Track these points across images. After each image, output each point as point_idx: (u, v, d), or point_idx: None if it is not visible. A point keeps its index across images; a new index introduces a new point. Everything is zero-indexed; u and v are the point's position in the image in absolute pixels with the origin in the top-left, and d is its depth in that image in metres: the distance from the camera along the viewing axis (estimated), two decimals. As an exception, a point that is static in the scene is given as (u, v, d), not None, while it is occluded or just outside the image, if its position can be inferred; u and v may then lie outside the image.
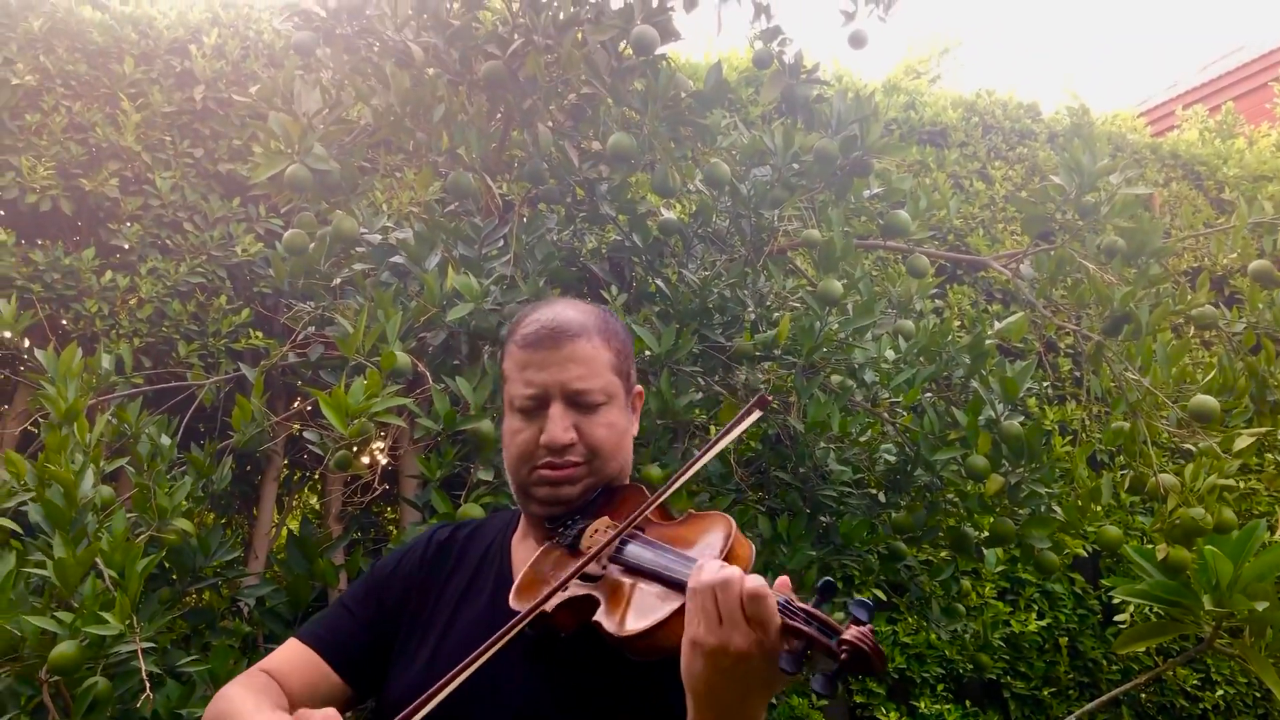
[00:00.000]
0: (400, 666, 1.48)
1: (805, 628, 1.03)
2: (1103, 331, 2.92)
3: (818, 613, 1.04)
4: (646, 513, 1.33)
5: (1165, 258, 2.96)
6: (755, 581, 1.04)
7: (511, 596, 1.36)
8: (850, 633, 1.01)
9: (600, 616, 1.23)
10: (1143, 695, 5.55)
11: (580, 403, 1.44)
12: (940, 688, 5.24)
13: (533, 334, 1.46)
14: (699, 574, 1.10)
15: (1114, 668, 5.48)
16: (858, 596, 1.07)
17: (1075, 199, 2.99)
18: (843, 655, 1.00)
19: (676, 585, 1.18)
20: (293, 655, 1.51)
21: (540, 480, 1.44)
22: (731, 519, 1.29)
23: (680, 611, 1.14)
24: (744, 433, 1.38)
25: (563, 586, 1.29)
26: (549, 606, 1.28)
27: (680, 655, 1.11)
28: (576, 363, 1.44)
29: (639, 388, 1.58)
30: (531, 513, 1.50)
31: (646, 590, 1.23)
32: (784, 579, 1.10)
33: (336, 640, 1.52)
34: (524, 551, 1.51)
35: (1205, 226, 5.73)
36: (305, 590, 2.76)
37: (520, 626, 1.26)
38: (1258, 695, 5.75)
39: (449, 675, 1.23)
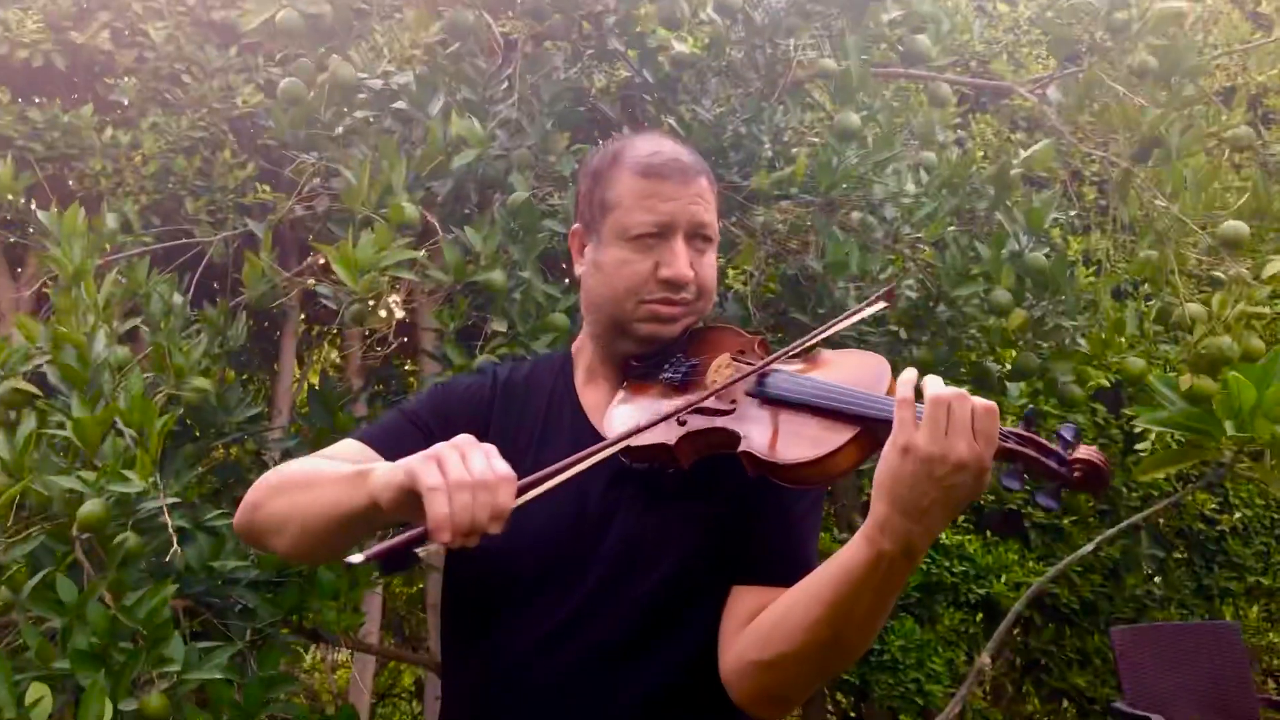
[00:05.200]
0: None
1: (1019, 448, 1.11)
2: (1131, 158, 2.82)
3: (1035, 436, 1.12)
4: (790, 351, 1.35)
5: (1199, 77, 2.83)
6: (988, 401, 1.08)
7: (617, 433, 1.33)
8: (1082, 451, 1.10)
9: (750, 447, 1.24)
10: (1161, 521, 5.63)
11: (700, 239, 1.42)
12: (961, 519, 5.32)
13: (660, 164, 1.41)
14: (927, 389, 1.10)
15: (1134, 494, 5.53)
16: (1066, 422, 1.16)
17: (1105, 16, 2.83)
18: (1076, 475, 1.10)
19: (843, 416, 1.20)
20: (351, 450, 1.45)
21: (649, 315, 1.41)
22: (880, 356, 1.31)
23: (855, 440, 1.18)
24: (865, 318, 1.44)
25: (698, 404, 1.31)
26: (673, 438, 1.28)
27: (880, 464, 1.12)
28: (702, 199, 1.42)
29: None
30: (620, 350, 1.46)
31: (802, 420, 1.25)
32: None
33: (399, 444, 1.39)
34: (594, 394, 1.47)
35: (1241, 44, 5.49)
36: (328, 443, 2.78)
37: (662, 420, 1.29)
38: (1275, 517, 5.82)
39: (575, 458, 1.23)
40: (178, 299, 2.66)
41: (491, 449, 1.16)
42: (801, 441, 1.22)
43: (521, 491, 1.17)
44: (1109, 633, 4.62)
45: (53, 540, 2.15)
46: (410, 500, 1.12)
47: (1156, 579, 5.67)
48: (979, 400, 1.07)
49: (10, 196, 2.79)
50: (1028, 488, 1.13)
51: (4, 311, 3.37)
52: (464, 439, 1.16)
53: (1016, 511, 5.40)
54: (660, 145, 1.45)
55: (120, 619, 1.95)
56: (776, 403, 1.28)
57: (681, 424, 1.29)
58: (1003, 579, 5.11)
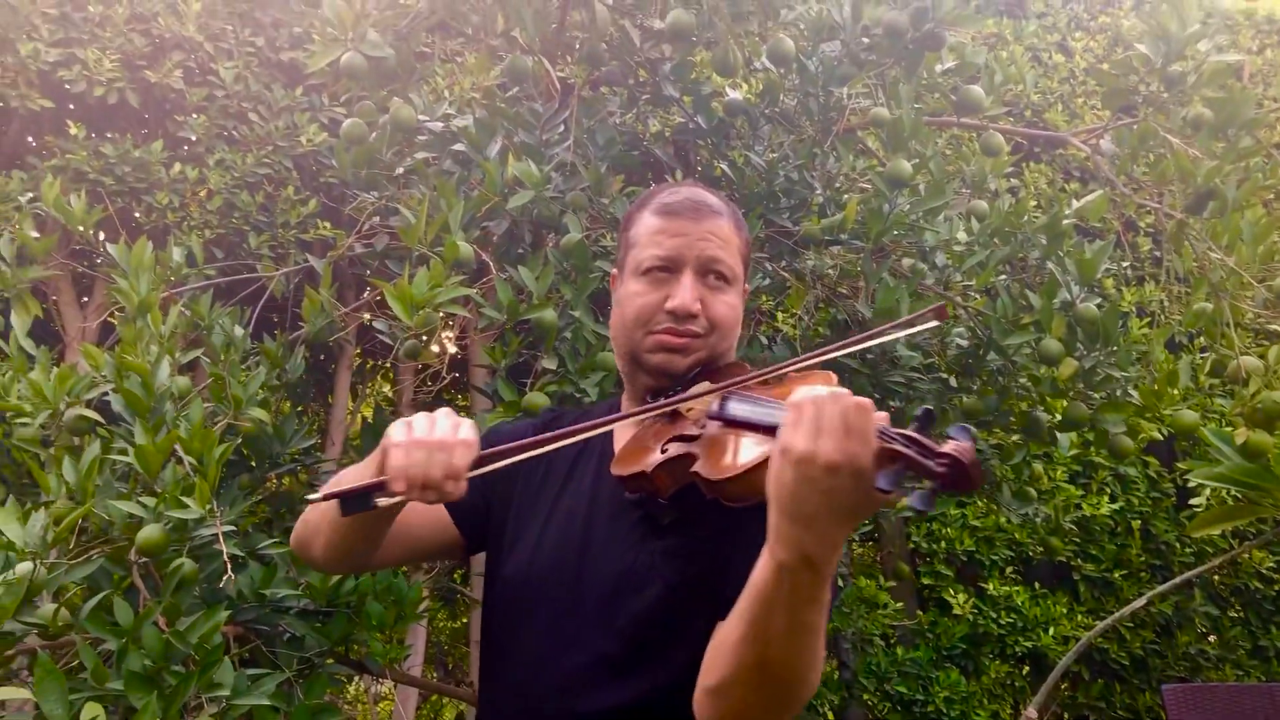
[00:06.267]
0: (512, 545, 1.51)
1: (903, 449, 1.01)
2: (1185, 209, 2.80)
3: (916, 435, 1.03)
4: (752, 380, 1.34)
5: (1256, 129, 2.81)
6: (862, 398, 1.03)
7: (613, 464, 1.40)
8: (948, 446, 0.99)
9: (697, 466, 1.26)
10: (1216, 578, 5.51)
11: (711, 275, 1.46)
12: (1009, 570, 5.25)
13: (675, 203, 1.49)
14: (800, 392, 1.08)
15: (1187, 550, 5.43)
16: (959, 424, 1.04)
17: (1161, 68, 2.83)
18: (940, 470, 0.99)
19: (772, 430, 1.17)
20: None
21: (656, 346, 1.47)
22: (833, 374, 1.29)
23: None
24: (912, 335, 1.43)
25: (658, 409, 1.37)
26: (650, 465, 1.31)
27: (768, 471, 1.10)
28: (716, 236, 1.47)
29: (747, 285, 1.60)
30: (638, 384, 1.52)
31: (744, 439, 1.26)
32: (883, 413, 1.08)
33: None
34: (626, 434, 1.52)
35: (1302, 96, 5.45)
36: (379, 475, 2.82)
37: (644, 415, 1.39)
38: (1336, 578, 5.67)
39: (532, 439, 1.34)
40: (238, 331, 2.72)
41: (468, 423, 1.27)
42: (735, 458, 1.22)
43: (483, 462, 1.27)
44: (1161, 691, 4.51)
45: (111, 564, 2.19)
46: None
47: (1211, 637, 5.55)
48: (852, 398, 1.03)
49: (81, 228, 2.88)
50: (901, 492, 1.02)
51: (71, 340, 3.47)
52: (443, 410, 1.28)
53: (1065, 563, 5.32)
54: (683, 190, 1.52)
55: (174, 643, 1.98)
56: (732, 424, 1.30)
57: (664, 452, 1.32)
58: (1050, 632, 5.03)
